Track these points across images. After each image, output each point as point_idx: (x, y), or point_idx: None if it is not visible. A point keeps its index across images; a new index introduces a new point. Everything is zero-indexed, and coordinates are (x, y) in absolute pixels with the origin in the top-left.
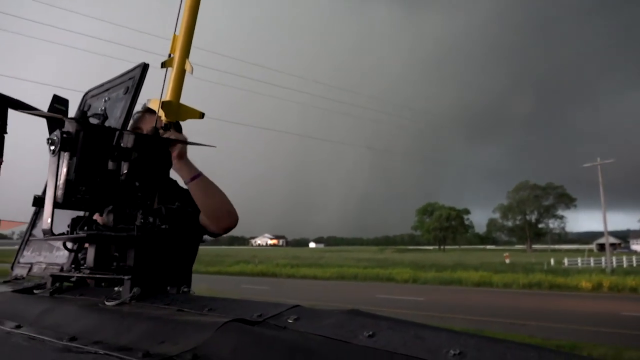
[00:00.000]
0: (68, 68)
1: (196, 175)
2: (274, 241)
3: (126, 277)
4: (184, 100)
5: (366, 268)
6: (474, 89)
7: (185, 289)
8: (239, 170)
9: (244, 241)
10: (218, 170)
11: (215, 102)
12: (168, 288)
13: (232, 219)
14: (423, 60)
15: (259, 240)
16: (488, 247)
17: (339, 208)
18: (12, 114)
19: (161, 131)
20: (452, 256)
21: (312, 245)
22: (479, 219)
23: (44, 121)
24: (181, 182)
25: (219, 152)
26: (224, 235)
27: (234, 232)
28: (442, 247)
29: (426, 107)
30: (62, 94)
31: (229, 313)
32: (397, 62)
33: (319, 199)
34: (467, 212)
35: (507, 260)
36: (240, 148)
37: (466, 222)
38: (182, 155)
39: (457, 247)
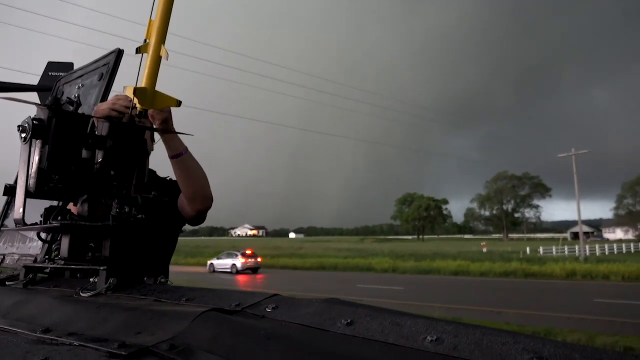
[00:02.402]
0: (38, 54)
1: (179, 154)
2: (254, 231)
3: (102, 268)
4: (162, 87)
5: (346, 258)
6: (453, 82)
7: (163, 280)
8: (220, 160)
9: (223, 232)
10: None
11: (198, 92)
12: (145, 278)
13: (207, 202)
14: (408, 53)
15: (239, 231)
16: (466, 236)
17: (319, 198)
18: None
19: (137, 118)
20: (431, 245)
21: (292, 235)
22: (457, 209)
23: (14, 104)
24: (160, 172)
25: (200, 142)
26: (203, 226)
27: (214, 223)
28: (420, 236)
29: (410, 99)
30: (31, 80)
31: (206, 302)
32: (380, 54)
33: (299, 189)
34: (446, 202)
35: (484, 249)
36: (221, 139)
37: (444, 212)
38: (167, 130)
39: (435, 236)
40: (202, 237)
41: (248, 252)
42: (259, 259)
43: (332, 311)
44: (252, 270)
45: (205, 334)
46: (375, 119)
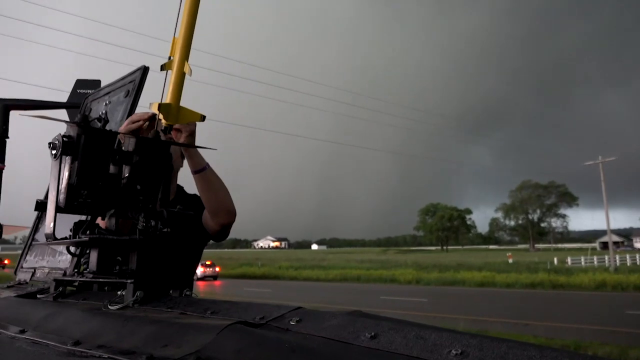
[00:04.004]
0: (67, 71)
1: (202, 168)
2: (277, 243)
3: (129, 281)
4: (187, 103)
5: (369, 269)
6: (474, 90)
7: (188, 292)
8: (244, 172)
9: (246, 244)
10: (222, 173)
11: (227, 105)
12: (171, 291)
13: (230, 217)
14: (430, 61)
15: (262, 243)
16: (491, 247)
17: (342, 210)
18: (14, 118)
19: (162, 134)
20: (455, 256)
21: (314, 247)
22: (481, 219)
23: (46, 123)
24: (188, 188)
25: (224, 155)
26: (227, 239)
27: (237, 235)
28: (444, 247)
29: (432, 108)
30: (60, 97)
31: (231, 315)
32: (401, 66)
33: (322, 201)
34: (469, 212)
35: (510, 260)
36: (247, 152)
37: (468, 222)
38: (191, 145)
39: (459, 247)
40: (226, 249)
41: (207, 262)
42: (217, 268)
43: (355, 324)
44: (213, 277)
45: (231, 347)
46: (398, 129)
